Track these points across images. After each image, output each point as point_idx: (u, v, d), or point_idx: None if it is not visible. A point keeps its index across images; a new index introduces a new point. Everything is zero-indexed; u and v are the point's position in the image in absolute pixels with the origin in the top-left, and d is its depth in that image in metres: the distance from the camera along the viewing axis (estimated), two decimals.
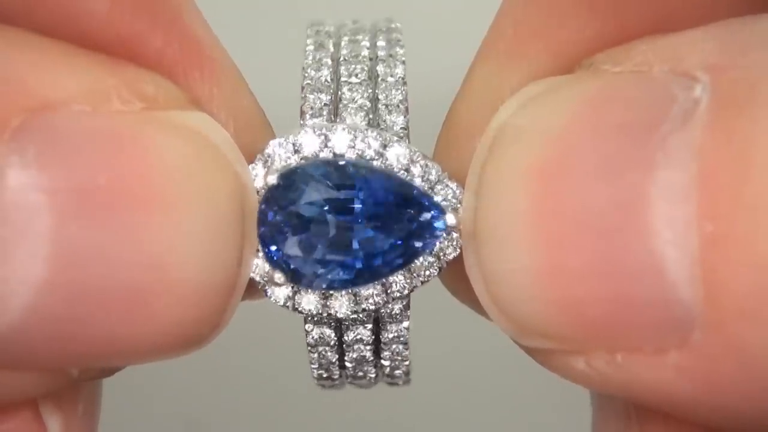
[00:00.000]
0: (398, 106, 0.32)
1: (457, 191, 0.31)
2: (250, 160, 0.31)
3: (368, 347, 0.33)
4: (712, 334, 0.25)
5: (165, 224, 0.27)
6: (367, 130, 0.31)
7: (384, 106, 0.32)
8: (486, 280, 0.29)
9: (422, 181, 0.31)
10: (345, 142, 0.31)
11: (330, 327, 0.32)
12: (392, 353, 0.33)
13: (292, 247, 0.30)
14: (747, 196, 0.24)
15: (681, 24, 0.28)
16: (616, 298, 0.26)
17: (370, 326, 0.32)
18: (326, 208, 0.30)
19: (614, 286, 0.26)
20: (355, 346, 0.33)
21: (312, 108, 0.32)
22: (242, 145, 0.30)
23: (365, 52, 0.33)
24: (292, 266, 0.30)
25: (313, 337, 0.32)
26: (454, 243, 0.31)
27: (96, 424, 0.34)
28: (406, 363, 0.34)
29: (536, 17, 0.32)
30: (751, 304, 0.25)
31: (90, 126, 0.27)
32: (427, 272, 0.31)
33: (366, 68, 0.33)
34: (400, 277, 0.31)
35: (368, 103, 0.32)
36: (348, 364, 0.33)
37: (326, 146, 0.31)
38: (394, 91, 0.32)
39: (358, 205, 0.30)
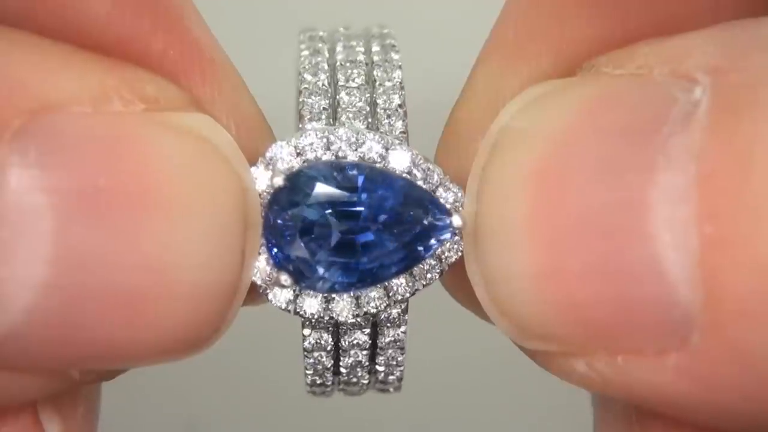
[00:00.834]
0: (397, 110, 0.32)
1: (459, 194, 0.31)
2: (251, 163, 0.31)
3: (364, 352, 0.33)
4: (712, 335, 0.25)
5: (165, 226, 0.27)
6: (369, 133, 0.31)
7: (382, 111, 0.32)
8: (487, 282, 0.29)
9: (424, 184, 0.31)
10: (347, 145, 0.31)
11: (327, 332, 0.32)
12: (387, 358, 0.33)
13: (296, 250, 0.30)
14: (747, 197, 0.24)
15: (682, 27, 0.28)
16: (616, 299, 0.26)
17: (368, 331, 0.32)
18: (330, 210, 0.30)
19: (615, 287, 0.26)
20: (352, 351, 0.33)
21: (311, 112, 0.32)
22: (243, 148, 0.30)
23: (361, 57, 0.33)
24: (295, 269, 0.30)
25: (310, 342, 0.32)
26: (456, 246, 0.31)
27: (95, 428, 0.34)
28: (401, 368, 0.33)
29: (537, 20, 0.32)
30: (751, 306, 0.25)
31: (91, 127, 0.27)
32: (429, 275, 0.31)
33: (363, 73, 0.33)
34: (402, 281, 0.31)
35: (367, 107, 0.32)
36: (342, 370, 0.33)
37: (329, 149, 0.31)
38: (392, 96, 0.32)
39: (362, 208, 0.30)
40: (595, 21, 0.31)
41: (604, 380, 0.28)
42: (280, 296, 0.31)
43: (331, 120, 0.32)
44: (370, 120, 0.32)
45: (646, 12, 0.30)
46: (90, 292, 0.27)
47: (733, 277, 0.25)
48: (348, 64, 0.33)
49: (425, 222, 0.31)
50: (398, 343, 0.33)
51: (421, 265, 0.31)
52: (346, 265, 0.30)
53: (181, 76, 0.31)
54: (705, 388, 0.26)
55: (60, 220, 0.26)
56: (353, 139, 0.31)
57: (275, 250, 0.30)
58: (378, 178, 0.30)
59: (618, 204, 0.26)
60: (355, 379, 0.34)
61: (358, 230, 0.30)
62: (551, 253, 0.27)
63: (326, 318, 0.31)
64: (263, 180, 0.30)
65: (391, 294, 0.31)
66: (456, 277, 0.32)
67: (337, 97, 0.32)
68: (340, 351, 0.33)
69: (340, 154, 0.31)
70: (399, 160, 0.31)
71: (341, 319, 0.31)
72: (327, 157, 0.31)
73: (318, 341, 0.32)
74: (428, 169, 0.31)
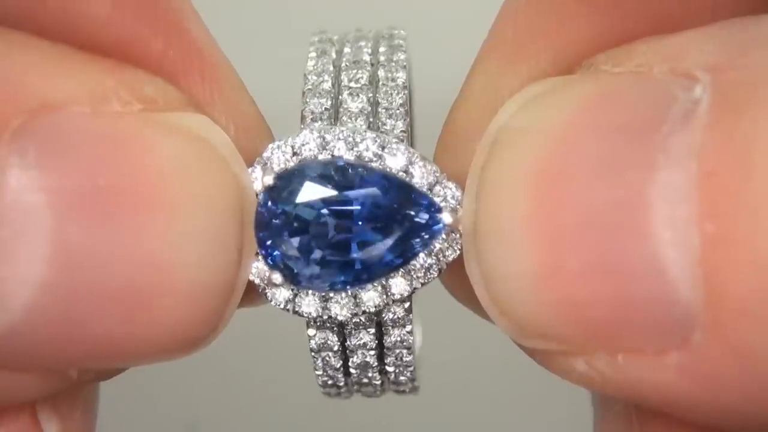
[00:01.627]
0: (398, 110, 0.32)
1: (456, 192, 0.31)
2: (250, 164, 0.31)
3: (371, 352, 0.33)
4: (713, 334, 0.25)
5: (164, 225, 0.27)
6: (365, 132, 0.31)
7: (384, 110, 0.32)
8: (486, 281, 0.29)
9: (421, 182, 0.31)
10: (343, 144, 0.31)
11: (332, 331, 0.32)
12: (396, 359, 0.33)
13: (291, 249, 0.30)
14: (748, 195, 0.24)
15: (681, 25, 0.28)
16: (616, 298, 0.26)
17: (372, 330, 0.32)
18: (324, 209, 0.30)
19: (615, 286, 0.26)
20: (359, 351, 0.33)
21: (312, 113, 0.32)
22: (242, 149, 0.30)
23: (366, 58, 0.33)
24: (291, 268, 0.30)
25: (316, 342, 0.32)
26: (454, 244, 0.31)
27: (94, 428, 0.34)
28: (411, 368, 0.33)
29: (536, 19, 0.32)
30: (752, 305, 0.25)
31: (90, 127, 0.27)
32: (428, 274, 0.31)
33: (367, 73, 0.33)
34: (400, 279, 0.31)
35: (368, 107, 0.32)
36: (352, 371, 0.33)
37: (324, 148, 0.31)
38: (394, 96, 0.32)
39: (356, 207, 0.30)
40: (594, 19, 0.31)
41: (604, 379, 0.28)
42: (279, 296, 0.31)
43: (332, 120, 0.32)
44: (371, 120, 0.32)
45: (645, 10, 0.30)
46: (88, 291, 0.27)
47: (734, 275, 0.25)
48: (352, 65, 0.33)
49: (418, 220, 0.31)
50: (404, 343, 0.33)
51: (418, 264, 0.31)
52: (340, 263, 0.30)
53: (180, 76, 0.31)
54: (705, 387, 0.26)
55: (59, 220, 0.26)
56: (349, 139, 0.31)
57: (270, 249, 0.30)
58: (372, 176, 0.30)
59: (618, 202, 0.26)
60: (366, 380, 0.34)
61: (353, 229, 0.30)
62: (551, 251, 0.27)
63: (325, 317, 0.31)
64: (260, 180, 0.30)
65: (389, 292, 0.31)
66: (455, 276, 0.32)
67: (340, 97, 0.32)
68: (348, 351, 0.33)
69: (336, 153, 0.31)
70: (395, 159, 0.31)
71: (340, 318, 0.31)
72: (323, 156, 0.31)
73: (324, 341, 0.32)
74: (425, 166, 0.31)
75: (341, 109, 0.32)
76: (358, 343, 0.32)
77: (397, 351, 0.33)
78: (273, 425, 0.64)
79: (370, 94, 0.32)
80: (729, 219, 0.25)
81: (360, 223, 0.30)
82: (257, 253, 0.30)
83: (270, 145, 0.31)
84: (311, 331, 0.32)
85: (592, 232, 0.26)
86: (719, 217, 0.25)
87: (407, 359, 0.33)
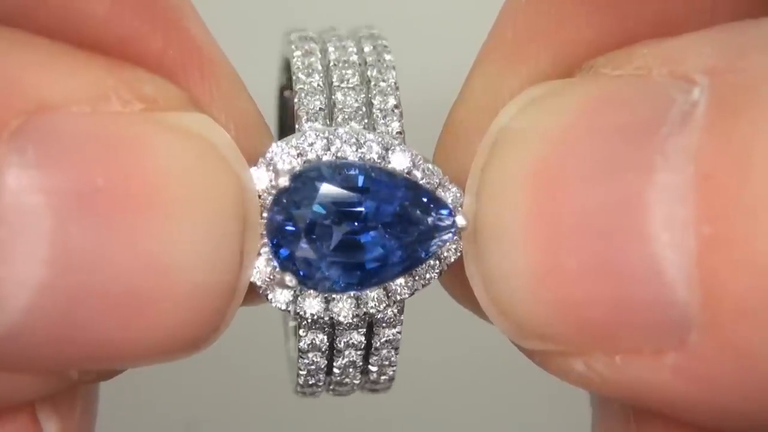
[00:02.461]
0: (392, 110, 0.32)
1: (458, 194, 0.31)
2: (250, 164, 0.30)
3: (359, 352, 0.33)
4: (710, 335, 0.25)
5: (164, 226, 0.27)
6: (368, 133, 0.31)
7: (378, 111, 0.32)
8: (485, 281, 0.29)
9: (424, 184, 0.31)
10: (348, 146, 0.31)
11: (324, 332, 0.32)
12: (381, 358, 0.33)
13: (300, 250, 0.30)
14: (745, 198, 0.24)
15: (680, 28, 0.28)
16: (614, 299, 0.26)
17: (363, 330, 0.32)
18: (333, 210, 0.30)
19: (612, 287, 0.26)
20: (347, 352, 0.32)
21: (308, 112, 0.32)
22: (241, 147, 0.30)
23: (354, 58, 0.33)
24: (299, 269, 0.30)
25: (306, 343, 0.32)
26: (455, 245, 0.31)
27: (93, 428, 0.34)
28: (393, 368, 0.33)
29: (536, 21, 0.32)
30: (749, 306, 0.25)
31: (89, 127, 0.27)
32: (428, 275, 0.31)
33: (357, 73, 0.33)
34: (402, 281, 0.31)
35: (363, 108, 0.32)
36: (335, 371, 0.33)
37: (329, 149, 0.31)
38: (387, 96, 0.32)
39: (364, 209, 0.30)
40: (594, 22, 0.31)
41: (602, 380, 0.28)
42: (280, 297, 0.31)
43: (327, 120, 0.32)
44: (366, 120, 0.32)
45: (644, 13, 0.30)
46: (88, 293, 0.27)
47: (731, 276, 0.25)
48: (341, 65, 0.33)
49: (428, 222, 0.30)
50: (393, 343, 0.33)
51: (422, 265, 0.31)
52: (348, 265, 0.30)
53: (180, 75, 0.31)
54: (703, 388, 0.26)
55: (58, 220, 0.26)
56: (353, 140, 0.31)
57: (279, 250, 0.30)
58: (380, 178, 0.30)
59: (616, 204, 0.26)
60: (347, 380, 0.33)
61: (361, 230, 0.30)
62: (549, 252, 0.27)
63: (326, 318, 0.31)
64: (263, 180, 0.30)
65: (390, 294, 0.31)
66: (454, 277, 0.32)
67: (333, 97, 0.32)
68: (335, 351, 0.33)
69: (340, 154, 0.31)
70: (399, 161, 0.31)
71: (341, 319, 0.31)
72: (327, 157, 0.30)
73: (314, 342, 0.32)
74: (428, 169, 0.31)
75: (335, 110, 0.32)
76: (348, 342, 0.32)
77: (384, 351, 0.33)
78: (273, 425, 0.64)
79: (363, 95, 0.32)
80: (726, 221, 0.25)
81: (367, 224, 0.30)
82: (259, 254, 0.30)
83: (273, 145, 0.31)
84: (303, 332, 0.32)
85: (591, 233, 0.26)
86: (716, 219, 0.25)
87: (392, 359, 0.33)
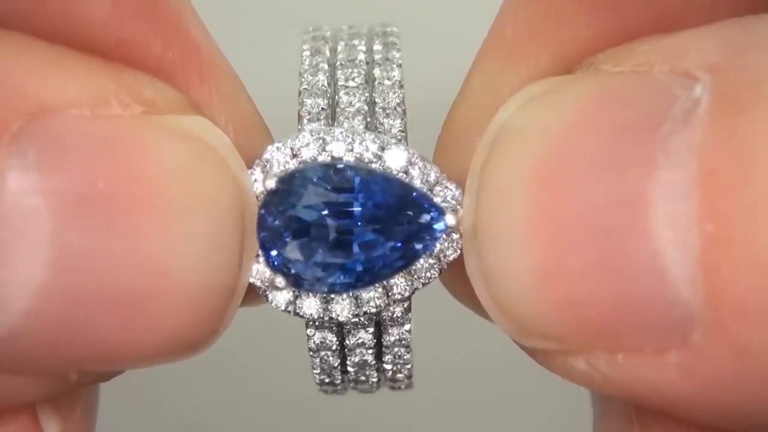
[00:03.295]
0: (395, 109, 0.32)
1: (456, 192, 0.31)
2: (249, 166, 0.30)
3: (370, 351, 0.33)
4: (713, 333, 0.25)
5: (164, 228, 0.27)
6: (364, 133, 0.31)
7: (381, 110, 0.32)
8: (486, 280, 0.29)
9: (421, 182, 0.31)
10: (343, 146, 0.31)
11: (332, 331, 0.32)
12: (394, 356, 0.33)
13: (293, 252, 0.30)
14: (748, 195, 0.24)
15: (682, 24, 0.28)
16: (616, 298, 0.26)
17: (371, 330, 0.32)
18: (326, 211, 0.30)
19: (614, 286, 0.26)
20: (357, 350, 0.33)
21: (309, 113, 0.32)
22: (240, 149, 0.30)
23: (361, 56, 0.33)
24: (292, 270, 0.30)
25: (314, 342, 0.32)
26: (455, 244, 0.31)
27: (93, 428, 0.34)
28: (408, 366, 0.33)
29: (536, 18, 0.32)
30: (752, 304, 0.25)
31: (89, 130, 0.27)
32: (428, 274, 0.31)
33: (362, 72, 0.33)
34: (401, 280, 0.31)
35: (365, 107, 0.32)
36: (350, 369, 0.33)
37: (324, 150, 0.31)
38: (391, 95, 0.32)
39: (357, 208, 0.30)
40: (594, 19, 0.31)
41: (604, 378, 0.28)
42: (280, 298, 0.31)
43: (329, 120, 0.32)
44: (368, 119, 0.32)
45: (644, 10, 0.30)
46: (88, 295, 0.27)
47: (734, 275, 0.25)
48: (348, 64, 0.33)
49: (420, 221, 0.31)
50: (403, 342, 0.33)
51: (419, 264, 0.31)
52: (343, 265, 0.30)
53: (180, 78, 0.31)
54: (705, 387, 0.26)
55: (59, 223, 0.26)
56: (349, 140, 0.31)
57: (272, 252, 0.30)
58: (373, 178, 0.30)
59: (618, 201, 0.26)
60: (364, 378, 0.34)
61: (354, 230, 0.30)
62: (551, 251, 0.27)
63: (326, 318, 0.31)
64: (260, 182, 0.30)
65: (390, 293, 0.31)
66: (456, 276, 0.32)
67: (336, 97, 0.32)
68: (346, 350, 0.33)
69: (336, 154, 0.31)
70: (395, 159, 0.31)
71: (341, 319, 0.31)
72: (322, 158, 0.31)
73: (323, 341, 0.32)
74: (425, 167, 0.31)
75: (338, 109, 0.32)
76: (356, 342, 0.32)
77: (396, 349, 0.33)
78: (273, 425, 0.64)
79: (366, 94, 0.32)
80: (729, 218, 0.25)
81: (361, 224, 0.30)
82: (258, 255, 0.30)
83: (269, 147, 0.31)
84: (310, 331, 0.32)
85: (592, 231, 0.26)
86: (719, 216, 0.25)
87: (406, 357, 0.33)
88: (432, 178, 0.31)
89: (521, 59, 0.32)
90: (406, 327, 0.32)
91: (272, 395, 0.63)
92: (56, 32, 0.29)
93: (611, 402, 0.33)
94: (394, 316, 0.32)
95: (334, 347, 0.32)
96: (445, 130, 0.34)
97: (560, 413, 0.58)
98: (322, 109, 0.32)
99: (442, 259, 0.31)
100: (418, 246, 0.31)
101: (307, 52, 0.33)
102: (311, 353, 0.33)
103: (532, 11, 0.32)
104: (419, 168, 0.31)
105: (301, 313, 0.31)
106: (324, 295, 0.31)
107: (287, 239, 0.30)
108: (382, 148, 0.31)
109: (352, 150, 0.31)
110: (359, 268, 0.30)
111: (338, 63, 0.33)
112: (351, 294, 0.31)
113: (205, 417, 0.64)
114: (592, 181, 0.26)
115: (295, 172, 0.30)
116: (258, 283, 0.31)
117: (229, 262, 0.29)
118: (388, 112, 0.32)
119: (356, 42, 0.34)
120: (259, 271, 0.30)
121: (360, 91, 0.32)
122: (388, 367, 0.33)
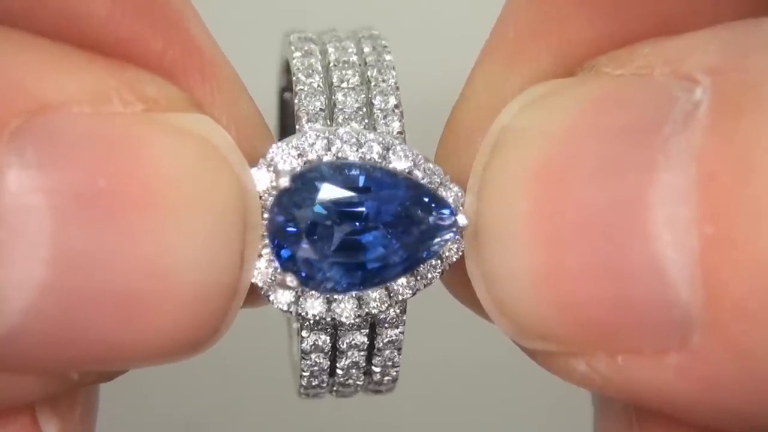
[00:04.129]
0: (393, 110, 0.32)
1: (459, 194, 0.31)
2: (251, 164, 0.30)
3: (362, 353, 0.33)
4: (713, 335, 0.25)
5: (165, 227, 0.27)
6: (369, 133, 0.31)
7: (379, 111, 0.32)
8: (487, 281, 0.29)
9: (426, 184, 0.31)
10: (348, 146, 0.30)
11: (326, 333, 0.32)
12: (384, 359, 0.33)
13: (302, 251, 0.30)
14: (748, 198, 0.24)
15: (683, 27, 0.28)
16: (616, 299, 0.26)
17: (366, 331, 0.32)
18: (334, 211, 0.30)
19: (614, 287, 0.26)
20: (349, 352, 0.32)
21: (308, 113, 0.32)
22: (242, 149, 0.30)
23: (354, 58, 0.33)
24: (301, 269, 0.30)
25: (308, 344, 0.32)
26: (457, 245, 0.31)
27: (93, 429, 0.34)
28: (397, 369, 0.33)
29: (538, 20, 0.32)
30: (752, 306, 0.25)
31: (90, 127, 0.27)
32: (430, 275, 0.31)
33: (357, 73, 0.32)
34: (404, 281, 0.31)
35: (364, 108, 0.32)
36: (339, 372, 0.33)
37: (329, 149, 0.30)
38: (388, 96, 0.32)
39: (365, 209, 0.30)
40: (596, 21, 0.31)
41: (604, 380, 0.28)
42: (282, 298, 0.31)
43: (328, 121, 0.32)
44: (366, 120, 0.32)
45: (646, 12, 0.30)
46: (88, 294, 0.27)
47: (734, 277, 0.25)
48: (341, 65, 0.33)
49: (429, 221, 0.30)
50: (395, 344, 0.33)
51: (424, 265, 0.31)
52: (349, 265, 0.30)
53: (181, 76, 0.31)
54: (705, 388, 0.26)
55: (58, 221, 0.26)
56: (354, 140, 0.31)
57: (281, 251, 0.30)
58: (380, 178, 0.30)
59: (618, 203, 0.26)
60: (350, 381, 0.33)
61: (362, 230, 0.30)
62: (551, 252, 0.27)
63: (328, 319, 0.31)
64: (264, 181, 0.30)
65: (392, 294, 0.31)
66: (456, 276, 0.32)
67: (333, 98, 0.32)
68: (337, 353, 0.33)
69: (341, 154, 0.30)
70: (400, 160, 0.31)
71: (343, 320, 0.31)
72: (328, 157, 0.30)
73: (316, 343, 0.32)
74: (429, 169, 0.31)
75: (336, 110, 0.32)
76: (351, 343, 0.32)
77: (387, 352, 0.33)
78: (273, 425, 0.64)
79: (363, 95, 0.32)
80: (728, 220, 0.25)
81: (369, 224, 0.30)
82: (260, 255, 0.30)
83: (273, 146, 0.30)
84: (305, 333, 0.32)
85: (593, 232, 0.26)
86: (719, 218, 0.25)
87: (395, 360, 0.33)
88: (436, 179, 0.31)
89: (523, 60, 0.32)
90: (400, 329, 0.32)
91: (272, 395, 0.63)
92: (56, 29, 0.29)
93: (611, 403, 0.33)
94: (390, 317, 0.32)
95: (326, 350, 0.32)
96: (447, 131, 0.34)
97: (560, 414, 0.58)
98: (321, 109, 0.32)
99: (444, 259, 0.31)
100: (426, 247, 0.31)
101: (298, 54, 0.33)
102: (303, 356, 0.32)
103: (534, 12, 0.32)
104: (424, 169, 0.31)
105: (303, 314, 0.31)
106: (327, 296, 0.31)
107: (296, 239, 0.30)
108: (387, 149, 0.31)
109: (357, 150, 0.30)
110: (368, 268, 0.30)
111: (331, 64, 0.33)
112: (354, 294, 0.31)
113: (205, 417, 0.64)
114: (592, 182, 0.26)
115: (304, 171, 0.30)
116: (260, 283, 0.30)
117: (231, 262, 0.29)
118: (386, 113, 0.32)
119: (345, 44, 0.34)
120: (261, 271, 0.30)
121: (357, 92, 0.32)
122: (376, 369, 0.33)
